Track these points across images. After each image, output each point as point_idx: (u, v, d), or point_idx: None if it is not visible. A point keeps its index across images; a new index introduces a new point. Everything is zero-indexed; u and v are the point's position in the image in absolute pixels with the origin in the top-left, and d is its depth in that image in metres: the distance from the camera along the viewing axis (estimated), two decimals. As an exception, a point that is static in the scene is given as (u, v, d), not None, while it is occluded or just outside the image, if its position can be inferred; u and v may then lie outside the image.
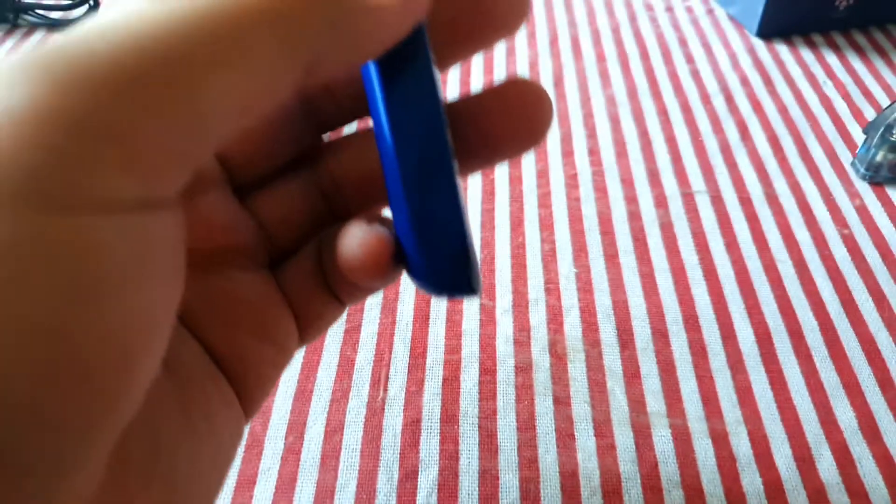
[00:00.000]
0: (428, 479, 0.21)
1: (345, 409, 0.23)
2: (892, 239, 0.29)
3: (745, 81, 0.38)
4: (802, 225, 0.29)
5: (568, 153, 0.33)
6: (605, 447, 0.22)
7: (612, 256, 0.28)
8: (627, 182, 0.32)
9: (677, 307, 0.26)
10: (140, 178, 0.08)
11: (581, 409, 0.23)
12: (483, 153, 0.13)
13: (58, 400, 0.07)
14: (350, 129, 0.15)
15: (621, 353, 0.25)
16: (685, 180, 0.32)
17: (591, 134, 0.34)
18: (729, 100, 0.37)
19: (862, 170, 0.31)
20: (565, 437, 0.22)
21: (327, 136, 0.15)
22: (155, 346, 0.09)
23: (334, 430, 0.22)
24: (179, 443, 0.11)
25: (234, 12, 0.08)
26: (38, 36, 0.42)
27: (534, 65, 0.39)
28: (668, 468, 0.21)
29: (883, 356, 0.24)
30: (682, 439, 0.22)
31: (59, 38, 0.09)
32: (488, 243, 0.29)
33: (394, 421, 0.23)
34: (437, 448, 0.22)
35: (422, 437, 0.22)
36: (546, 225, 0.29)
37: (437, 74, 0.12)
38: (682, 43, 0.41)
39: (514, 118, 0.13)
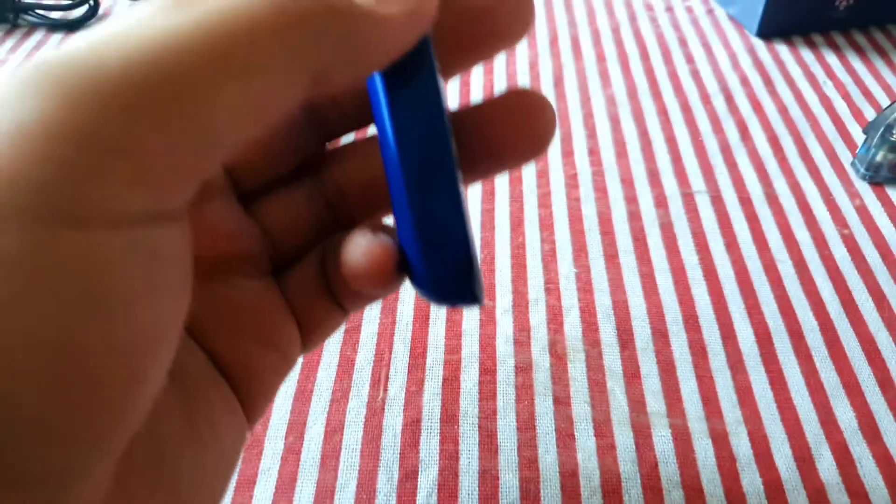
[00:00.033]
0: (428, 479, 0.21)
1: (345, 409, 0.23)
2: (892, 239, 0.29)
3: (745, 81, 0.38)
4: (802, 225, 0.29)
5: (568, 153, 0.33)
6: (605, 447, 0.22)
7: (612, 256, 0.28)
8: (627, 182, 0.32)
9: (677, 307, 0.26)
10: (149, 191, 0.08)
11: (581, 409, 0.23)
12: (486, 163, 0.14)
13: (67, 413, 0.08)
14: (351, 136, 0.15)
15: (621, 353, 0.25)
16: (685, 180, 0.32)
17: (591, 134, 0.34)
18: (729, 100, 0.37)
19: (862, 170, 0.31)
20: (565, 437, 0.22)
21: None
22: (162, 358, 0.09)
23: (334, 430, 0.22)
24: (184, 450, 0.11)
25: (242, 25, 0.08)
26: (38, 36, 0.42)
27: (534, 65, 0.39)
28: (668, 468, 0.21)
29: (883, 356, 0.24)
30: (682, 439, 0.22)
31: (70, 47, 0.09)
32: (488, 243, 0.29)
33: (394, 421, 0.23)
34: (437, 448, 0.22)
35: (422, 437, 0.22)
36: (546, 225, 0.29)
37: (442, 84, 0.12)
38: (682, 43, 0.41)
39: (518, 129, 0.13)
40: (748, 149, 0.33)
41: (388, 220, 0.16)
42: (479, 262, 0.13)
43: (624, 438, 0.22)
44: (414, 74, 0.12)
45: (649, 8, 0.45)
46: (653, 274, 0.27)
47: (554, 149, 0.33)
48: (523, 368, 0.24)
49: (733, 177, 0.32)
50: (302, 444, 0.22)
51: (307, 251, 0.15)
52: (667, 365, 0.24)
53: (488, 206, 0.30)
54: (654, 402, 0.23)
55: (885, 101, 0.36)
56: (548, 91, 0.37)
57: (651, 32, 0.42)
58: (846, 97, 0.37)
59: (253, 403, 0.14)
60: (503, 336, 0.25)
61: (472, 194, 0.31)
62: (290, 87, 0.09)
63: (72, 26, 0.42)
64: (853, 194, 0.31)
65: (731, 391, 0.23)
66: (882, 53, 0.40)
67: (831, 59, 0.40)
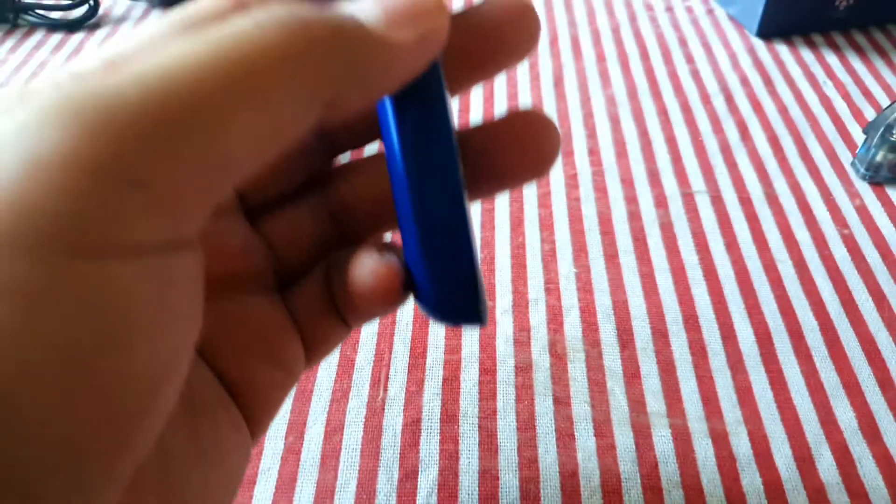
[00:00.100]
0: (428, 479, 0.21)
1: (345, 409, 0.23)
2: (892, 239, 0.29)
3: (745, 81, 0.38)
4: (802, 225, 0.29)
5: (568, 153, 0.33)
6: (605, 447, 0.22)
7: (612, 256, 0.28)
8: (627, 182, 0.32)
9: (677, 307, 0.26)
10: (164, 220, 0.08)
11: (581, 409, 0.23)
12: (490, 183, 0.14)
13: (84, 435, 0.08)
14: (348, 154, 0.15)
15: (621, 353, 0.25)
16: (685, 180, 0.32)
17: (591, 134, 0.34)
18: (729, 100, 0.37)
19: (862, 170, 0.31)
20: (565, 437, 0.22)
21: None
22: (175, 381, 0.09)
23: (334, 430, 0.22)
24: (190, 470, 0.11)
25: (255, 54, 0.09)
26: (38, 36, 0.42)
27: (534, 65, 0.39)
28: (668, 468, 0.21)
29: (883, 356, 0.24)
30: (682, 439, 0.22)
31: (87, 74, 0.09)
32: (488, 243, 0.29)
33: (394, 421, 0.23)
34: (437, 448, 0.22)
35: (422, 437, 0.22)
36: (546, 225, 0.29)
37: (450, 104, 0.12)
38: (682, 43, 0.41)
39: (523, 150, 0.13)
40: (748, 149, 0.33)
41: (389, 235, 0.16)
42: (483, 282, 0.13)
43: (624, 438, 0.22)
44: (423, 95, 0.12)
45: (649, 8, 0.45)
46: (653, 274, 0.27)
47: (554, 149, 0.33)
48: (523, 368, 0.24)
49: (733, 177, 0.32)
50: (302, 444, 0.22)
51: (311, 266, 0.15)
52: (667, 365, 0.24)
53: (488, 206, 0.30)
54: (654, 402, 0.23)
55: (885, 101, 0.36)
56: (548, 91, 0.37)
57: (651, 32, 0.42)
58: (846, 97, 0.37)
59: (257, 420, 0.14)
60: (503, 336, 0.25)
61: (472, 194, 0.31)
62: (304, 114, 0.09)
63: (72, 26, 0.42)
64: (853, 194, 0.31)
65: (731, 391, 0.23)
66: (882, 53, 0.40)
67: (831, 59, 0.40)
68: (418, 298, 0.13)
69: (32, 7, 0.42)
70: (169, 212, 0.08)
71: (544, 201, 0.30)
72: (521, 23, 0.12)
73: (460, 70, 0.13)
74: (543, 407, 0.23)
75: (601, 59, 0.40)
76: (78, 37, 0.42)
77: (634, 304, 0.26)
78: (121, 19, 0.44)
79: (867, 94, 0.37)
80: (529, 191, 0.31)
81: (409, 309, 0.26)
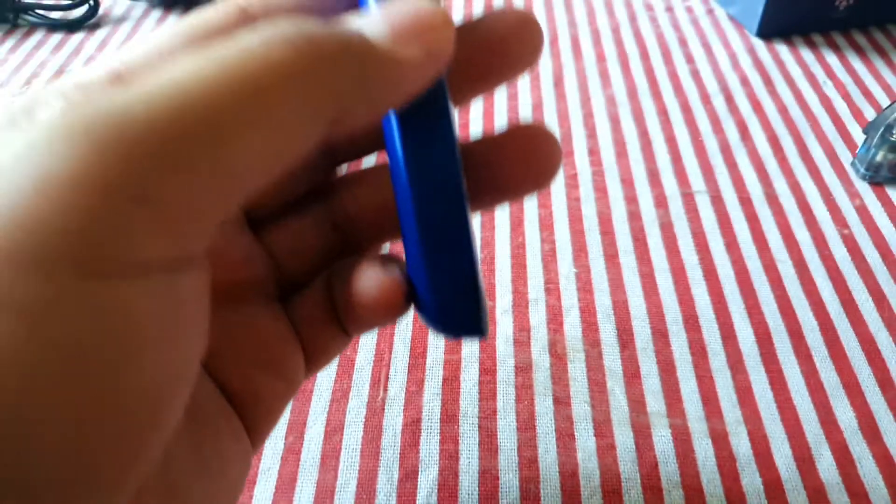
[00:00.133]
0: (428, 479, 0.21)
1: (345, 409, 0.23)
2: (892, 239, 0.29)
3: (745, 81, 0.38)
4: (802, 225, 0.29)
5: (568, 153, 0.33)
6: (605, 447, 0.22)
7: (612, 256, 0.28)
8: (627, 182, 0.32)
9: (677, 307, 0.26)
10: (172, 238, 0.08)
11: (581, 409, 0.23)
12: (492, 194, 0.14)
13: (92, 450, 0.08)
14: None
15: (621, 353, 0.25)
16: (685, 180, 0.32)
17: (591, 134, 0.34)
18: (729, 100, 0.37)
19: (862, 170, 0.31)
20: (565, 437, 0.22)
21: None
22: (181, 396, 0.09)
23: (334, 430, 0.22)
24: (193, 482, 0.11)
25: (262, 71, 0.09)
26: (38, 36, 0.42)
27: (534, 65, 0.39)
28: (668, 468, 0.21)
29: (883, 356, 0.24)
30: (682, 439, 0.22)
31: (94, 86, 0.09)
32: (488, 243, 0.29)
33: (394, 421, 0.23)
34: (437, 448, 0.22)
35: (422, 437, 0.22)
36: (546, 225, 0.29)
37: (455, 117, 0.12)
38: (682, 43, 0.41)
39: (525, 163, 0.13)
40: (748, 149, 0.33)
41: (387, 247, 0.16)
42: (485, 295, 0.13)
43: (624, 438, 0.22)
44: (427, 108, 0.12)
45: (649, 8, 0.45)
46: (653, 274, 0.27)
47: (554, 149, 0.33)
48: (523, 368, 0.24)
49: (733, 177, 0.32)
50: (302, 444, 0.22)
51: (313, 276, 0.15)
52: (667, 365, 0.24)
53: (488, 206, 0.30)
54: (654, 402, 0.23)
55: (885, 101, 0.36)
56: (548, 91, 0.37)
57: (651, 32, 0.42)
58: (846, 97, 0.37)
59: (257, 429, 0.14)
60: (503, 336, 0.25)
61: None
62: (310, 130, 0.09)
63: (72, 26, 0.42)
64: (853, 194, 0.31)
65: (731, 391, 0.23)
66: (882, 53, 0.40)
67: (831, 59, 0.40)
68: (420, 310, 0.13)
69: (32, 7, 0.42)
70: (177, 230, 0.08)
71: (544, 201, 0.30)
72: (524, 35, 0.12)
73: (463, 82, 0.13)
74: (543, 407, 0.23)
75: (601, 59, 0.40)
76: (78, 37, 0.42)
77: (634, 304, 0.26)
78: (121, 19, 0.44)
79: (867, 94, 0.37)
80: (529, 191, 0.31)
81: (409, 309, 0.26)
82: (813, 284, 0.27)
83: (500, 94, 0.37)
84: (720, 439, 0.22)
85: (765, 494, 0.21)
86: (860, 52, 0.40)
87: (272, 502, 0.21)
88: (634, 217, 0.30)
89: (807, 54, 0.40)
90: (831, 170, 0.32)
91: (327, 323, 0.14)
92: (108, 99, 0.08)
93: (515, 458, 0.22)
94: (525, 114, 0.36)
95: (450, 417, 0.23)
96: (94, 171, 0.07)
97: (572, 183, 0.31)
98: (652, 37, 0.42)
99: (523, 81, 0.38)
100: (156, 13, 0.44)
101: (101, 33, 0.42)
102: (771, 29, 0.41)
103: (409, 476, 0.21)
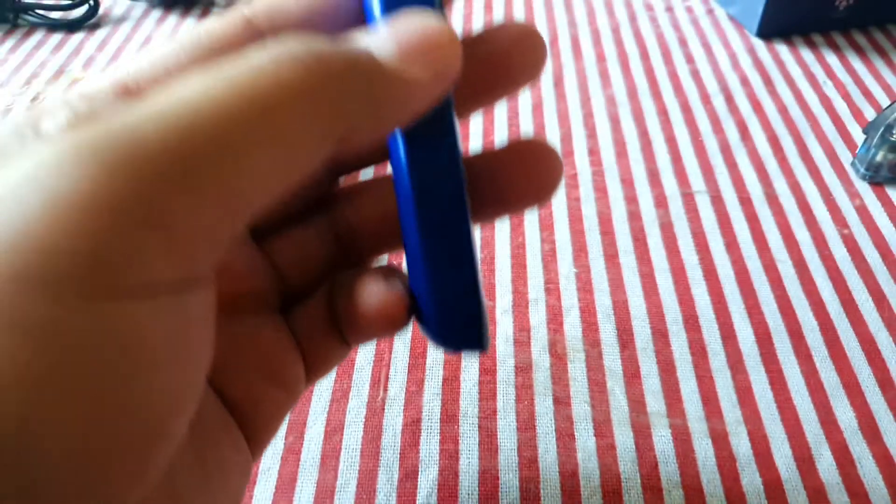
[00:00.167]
0: (428, 479, 0.21)
1: (345, 409, 0.23)
2: (892, 239, 0.29)
3: (745, 81, 0.38)
4: (802, 225, 0.29)
5: (568, 153, 0.33)
6: (605, 447, 0.22)
7: (612, 256, 0.28)
8: (627, 182, 0.32)
9: (677, 307, 0.26)
10: (180, 260, 0.08)
11: (581, 409, 0.23)
12: (493, 208, 0.14)
13: (98, 467, 0.08)
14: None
15: (621, 353, 0.25)
16: (685, 180, 0.32)
17: (591, 134, 0.34)
18: (729, 100, 0.37)
19: (862, 170, 0.31)
20: (565, 437, 0.22)
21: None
22: (187, 410, 0.09)
23: (334, 430, 0.22)
24: (195, 496, 0.11)
25: (272, 91, 0.09)
26: (38, 36, 0.42)
27: (534, 65, 0.39)
28: (668, 468, 0.21)
29: (883, 356, 0.24)
30: (682, 439, 0.22)
31: (100, 98, 0.09)
32: (488, 243, 0.29)
33: (394, 421, 0.23)
34: (437, 448, 0.22)
35: (422, 437, 0.22)
36: (546, 225, 0.29)
37: (458, 132, 0.12)
38: (682, 43, 0.41)
39: (527, 177, 0.14)
40: (748, 149, 0.33)
41: (384, 259, 0.16)
42: (486, 310, 0.13)
43: (624, 438, 0.22)
44: (432, 124, 0.12)
45: (649, 8, 0.45)
46: (653, 274, 0.27)
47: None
48: (523, 368, 0.24)
49: (733, 177, 0.32)
50: (302, 444, 0.22)
51: (315, 286, 0.15)
52: (667, 365, 0.24)
53: (488, 206, 0.30)
54: (654, 402, 0.23)
55: (885, 101, 0.36)
56: (548, 91, 0.37)
57: (651, 32, 0.42)
58: (846, 97, 0.37)
59: (257, 439, 0.14)
60: (503, 336, 0.25)
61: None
62: (318, 148, 0.09)
63: (72, 26, 0.42)
64: (853, 194, 0.31)
65: (731, 391, 0.23)
66: (882, 53, 0.40)
67: (831, 59, 0.40)
68: (421, 323, 0.13)
69: (32, 7, 0.42)
70: (186, 252, 0.08)
71: (544, 201, 0.30)
72: (527, 49, 0.13)
73: (467, 95, 0.13)
74: (543, 407, 0.23)
75: (601, 59, 0.40)
76: (78, 37, 0.42)
77: (634, 304, 0.26)
78: (121, 19, 0.44)
79: (867, 94, 0.37)
80: (529, 191, 0.31)
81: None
82: (813, 284, 0.27)
83: (500, 94, 0.37)
84: (720, 439, 0.22)
85: (765, 494, 0.21)
86: (860, 52, 0.40)
87: (272, 502, 0.21)
88: (634, 217, 0.30)
89: (807, 54, 0.40)
90: (831, 170, 0.32)
91: (328, 333, 0.14)
92: (118, 118, 0.08)
93: (515, 458, 0.22)
94: (525, 114, 0.36)
95: (450, 417, 0.23)
96: (103, 194, 0.07)
97: (572, 183, 0.31)
98: (652, 37, 0.42)
99: (523, 81, 0.38)
100: (156, 13, 0.44)
101: (101, 33, 0.42)
102: (771, 29, 0.41)
103: (409, 476, 0.21)
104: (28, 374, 0.07)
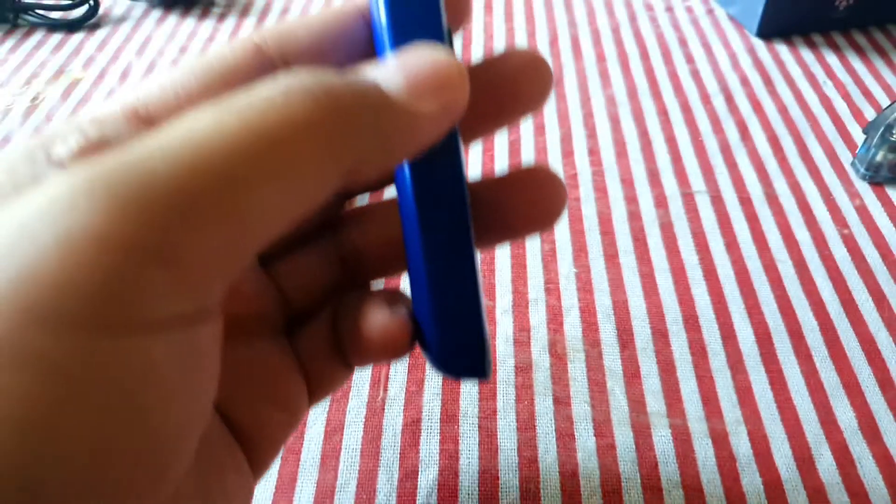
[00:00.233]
0: (428, 479, 0.21)
1: (345, 409, 0.23)
2: (892, 239, 0.29)
3: (745, 81, 0.38)
4: (802, 225, 0.29)
5: (568, 153, 0.33)
6: (605, 447, 0.22)
7: (612, 256, 0.28)
8: (627, 182, 0.32)
9: (677, 307, 0.26)
10: (191, 294, 0.08)
11: (581, 409, 0.23)
12: (497, 234, 0.14)
13: (108, 496, 0.08)
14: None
15: (621, 353, 0.25)
16: (685, 180, 0.32)
17: (591, 134, 0.34)
18: (729, 100, 0.37)
19: (862, 170, 0.31)
20: (565, 437, 0.22)
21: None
22: (194, 436, 0.10)
23: (334, 430, 0.22)
24: None
25: (282, 125, 0.09)
26: (38, 36, 0.42)
27: (534, 65, 0.39)
28: (668, 468, 0.21)
29: (883, 356, 0.24)
30: (682, 439, 0.22)
31: (110, 122, 0.09)
32: (488, 243, 0.29)
33: (394, 421, 0.23)
34: (437, 448, 0.22)
35: (422, 437, 0.22)
36: (546, 225, 0.29)
37: (464, 160, 0.12)
38: (682, 43, 0.41)
39: (531, 205, 0.14)
40: (748, 149, 0.33)
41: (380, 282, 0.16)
42: (489, 339, 0.13)
43: (624, 438, 0.22)
44: (438, 153, 0.12)
45: (649, 8, 0.45)
46: (653, 274, 0.27)
47: (554, 149, 0.33)
48: (523, 368, 0.24)
49: (733, 177, 0.32)
50: (302, 444, 0.22)
51: (319, 309, 0.15)
52: (667, 365, 0.24)
53: (488, 206, 0.30)
54: (654, 402, 0.23)
55: (885, 101, 0.36)
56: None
57: (651, 32, 0.42)
58: (846, 97, 0.37)
59: (260, 460, 0.14)
60: (503, 336, 0.25)
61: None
62: (327, 181, 0.09)
63: (72, 26, 0.42)
64: (853, 194, 0.31)
65: (731, 391, 0.23)
66: (882, 53, 0.40)
67: (831, 59, 0.40)
68: (425, 351, 0.13)
69: (32, 7, 0.42)
70: (195, 286, 0.08)
71: (544, 201, 0.30)
72: (533, 76, 0.13)
73: (474, 123, 0.13)
74: (543, 407, 0.23)
75: (601, 59, 0.40)
76: (78, 37, 0.42)
77: (634, 304, 0.26)
78: (121, 19, 0.44)
79: (867, 94, 0.37)
80: (529, 191, 0.31)
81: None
82: (813, 284, 0.27)
83: (500, 94, 0.37)
84: (720, 439, 0.22)
85: (765, 494, 0.21)
86: (860, 52, 0.40)
87: (272, 502, 0.21)
88: (634, 217, 0.30)
89: (807, 54, 0.40)
90: (831, 170, 0.32)
91: (331, 356, 0.14)
92: (130, 152, 0.08)
93: (515, 458, 0.22)
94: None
95: (450, 417, 0.23)
96: (116, 231, 0.08)
97: (572, 183, 0.31)
98: (652, 37, 0.42)
99: (523, 81, 0.38)
100: (156, 13, 0.44)
101: (101, 33, 0.42)
102: (771, 29, 0.41)
103: (409, 476, 0.21)
104: (39, 410, 0.07)
